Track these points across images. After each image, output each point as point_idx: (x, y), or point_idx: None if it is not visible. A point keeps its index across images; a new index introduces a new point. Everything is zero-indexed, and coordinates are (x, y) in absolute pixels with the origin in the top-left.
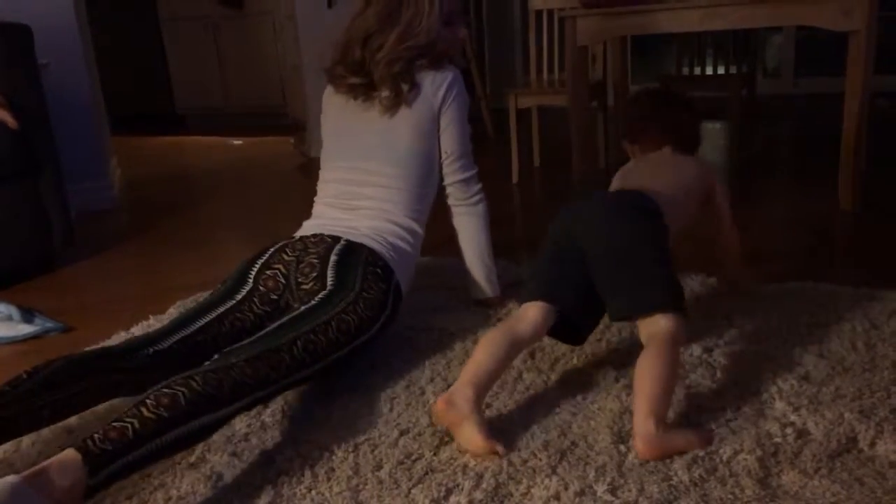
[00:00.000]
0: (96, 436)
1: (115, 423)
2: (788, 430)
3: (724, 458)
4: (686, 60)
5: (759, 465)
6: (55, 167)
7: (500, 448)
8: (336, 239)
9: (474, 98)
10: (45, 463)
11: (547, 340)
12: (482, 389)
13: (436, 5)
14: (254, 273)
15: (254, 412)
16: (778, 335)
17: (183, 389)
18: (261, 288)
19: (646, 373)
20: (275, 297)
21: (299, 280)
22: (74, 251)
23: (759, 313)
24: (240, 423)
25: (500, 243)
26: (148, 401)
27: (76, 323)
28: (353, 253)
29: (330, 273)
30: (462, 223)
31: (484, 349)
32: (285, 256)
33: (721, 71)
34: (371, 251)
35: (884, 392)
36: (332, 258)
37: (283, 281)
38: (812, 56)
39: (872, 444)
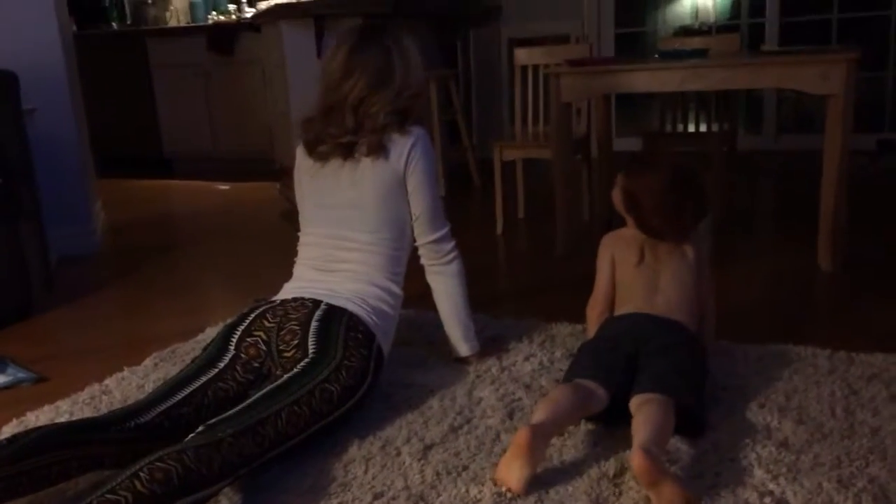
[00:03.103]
0: None
1: (108, 496)
2: (767, 500)
3: None
4: (669, 117)
5: None
6: (36, 213)
7: (521, 493)
8: (316, 303)
9: (461, 149)
10: None
11: (526, 400)
12: (551, 437)
13: (419, 58)
14: (235, 340)
15: None
16: (756, 399)
17: (176, 465)
18: (242, 356)
19: (647, 417)
20: (257, 364)
21: (280, 347)
22: (53, 298)
23: (739, 376)
24: None
25: (483, 296)
26: (142, 474)
27: (50, 373)
28: (334, 318)
29: (311, 340)
30: (437, 282)
31: (564, 404)
32: (266, 323)
33: (703, 128)
34: (352, 315)
35: (862, 461)
36: (314, 324)
37: (264, 348)
38: (793, 113)
39: None
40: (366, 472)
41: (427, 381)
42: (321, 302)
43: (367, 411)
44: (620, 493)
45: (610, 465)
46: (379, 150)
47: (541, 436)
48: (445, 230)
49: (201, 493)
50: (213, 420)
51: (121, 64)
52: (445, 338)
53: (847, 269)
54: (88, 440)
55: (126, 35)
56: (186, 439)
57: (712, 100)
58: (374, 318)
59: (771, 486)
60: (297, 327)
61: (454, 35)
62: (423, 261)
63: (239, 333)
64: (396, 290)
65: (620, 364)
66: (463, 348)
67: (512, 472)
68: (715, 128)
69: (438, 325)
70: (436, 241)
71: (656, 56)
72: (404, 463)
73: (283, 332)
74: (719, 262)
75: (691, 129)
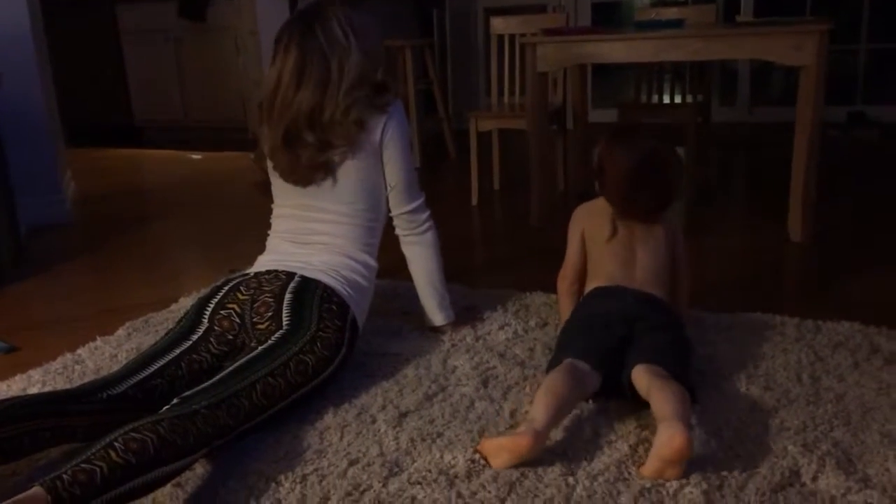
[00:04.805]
0: (65, 476)
1: (83, 465)
2: (734, 463)
3: (671, 491)
4: (644, 88)
5: (704, 499)
6: (4, 180)
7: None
8: (290, 275)
9: (436, 119)
10: (11, 500)
11: (500, 368)
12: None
13: (351, 39)
14: (208, 313)
15: None
16: (725, 366)
17: (151, 436)
18: (216, 328)
19: (672, 394)
20: (231, 336)
21: (255, 320)
22: (23, 268)
23: (708, 345)
24: None
25: (458, 266)
26: (116, 444)
27: (22, 343)
28: (308, 290)
29: (285, 312)
30: (412, 252)
31: (564, 394)
32: (240, 295)
33: (678, 99)
34: (326, 287)
35: (827, 425)
36: (287, 296)
37: (238, 321)
38: (767, 85)
39: (815, 479)
40: (341, 438)
41: (402, 349)
42: (295, 274)
43: (343, 380)
44: (592, 458)
45: (584, 431)
46: (358, 137)
47: (541, 442)
48: (421, 200)
49: (176, 464)
50: (188, 392)
51: (89, 30)
52: (420, 308)
53: (817, 240)
54: (60, 411)
55: (94, 0)
56: (161, 410)
57: (687, 71)
58: (348, 289)
59: (738, 450)
60: (271, 299)
61: (430, 4)
62: (398, 231)
63: (212, 306)
64: (371, 261)
65: (612, 343)
66: (438, 317)
67: (499, 457)
68: (689, 99)
69: (413, 295)
70: (411, 212)
71: (632, 26)
72: (379, 430)
73: (256, 305)
74: (691, 233)
75: (666, 100)
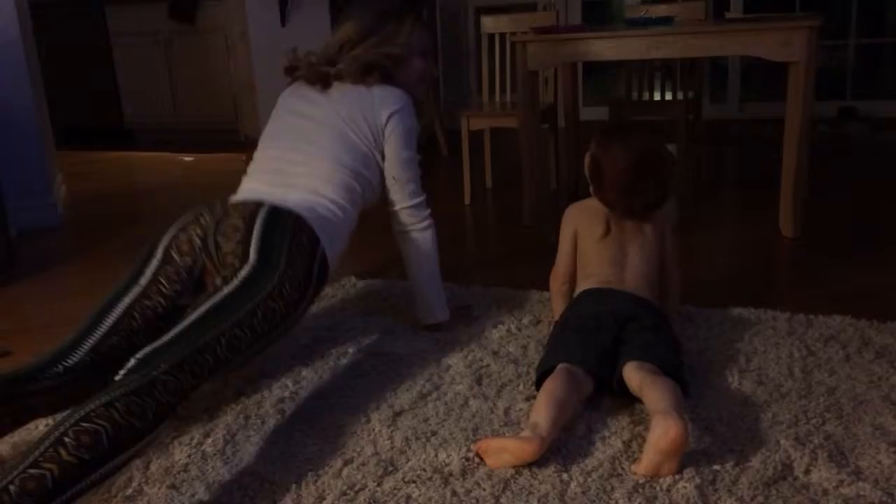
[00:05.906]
0: (12, 488)
1: (30, 471)
2: (728, 456)
3: (665, 486)
4: (635, 85)
5: (697, 494)
6: None
7: None
8: (260, 203)
9: (428, 117)
10: None
11: (494, 366)
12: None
13: (414, 33)
14: (163, 245)
15: (195, 441)
16: (717, 361)
17: (105, 424)
18: (173, 256)
19: (665, 388)
20: (189, 261)
21: (218, 240)
22: (15, 271)
23: (699, 340)
24: (179, 454)
25: (452, 265)
26: (66, 439)
27: (15, 346)
28: (279, 219)
29: (254, 241)
30: (410, 248)
31: (564, 401)
32: (203, 220)
33: (669, 97)
34: (298, 217)
35: (819, 419)
36: (258, 223)
37: (199, 243)
38: (757, 81)
39: (807, 472)
40: (336, 438)
41: (395, 348)
42: (265, 202)
43: (337, 380)
44: (586, 455)
45: (577, 428)
46: (359, 78)
47: (545, 448)
48: (423, 197)
49: (136, 447)
50: (147, 350)
51: (79, 32)
52: (413, 307)
53: (808, 234)
54: (16, 394)
55: (84, 1)
56: (117, 379)
57: (678, 68)
58: (319, 221)
59: (732, 444)
60: (240, 222)
61: (420, 2)
62: (398, 226)
63: (168, 236)
64: (349, 207)
65: (605, 345)
66: (432, 315)
67: (500, 460)
68: (680, 96)
69: (406, 294)
70: (414, 207)
71: (623, 24)
72: (374, 429)
73: (223, 227)
74: (682, 229)
75: (657, 97)
